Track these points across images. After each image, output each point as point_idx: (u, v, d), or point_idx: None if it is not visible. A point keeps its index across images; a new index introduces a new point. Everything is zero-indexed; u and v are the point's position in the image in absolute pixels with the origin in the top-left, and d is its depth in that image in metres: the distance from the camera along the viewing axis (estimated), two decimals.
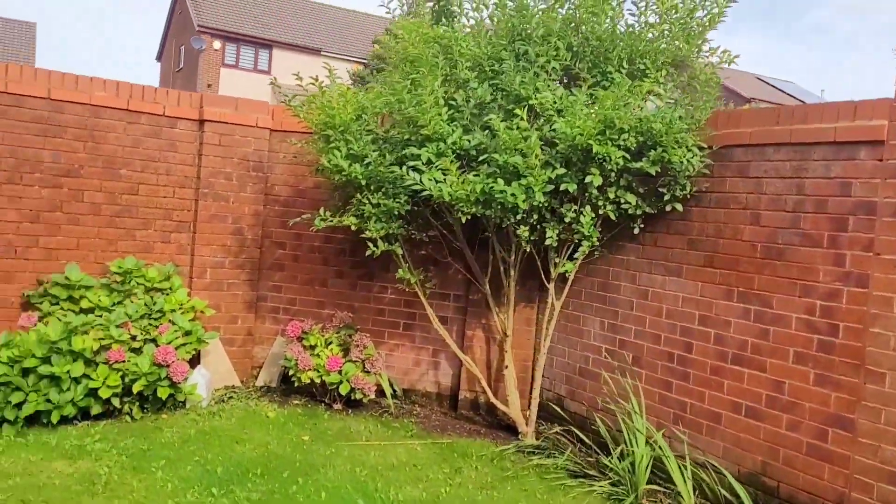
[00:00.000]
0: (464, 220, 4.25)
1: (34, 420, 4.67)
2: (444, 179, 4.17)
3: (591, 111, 4.08)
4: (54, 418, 4.63)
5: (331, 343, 5.57)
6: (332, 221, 4.73)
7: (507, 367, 5.14)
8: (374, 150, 4.54)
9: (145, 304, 5.30)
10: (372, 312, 6.08)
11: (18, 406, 4.58)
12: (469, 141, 4.24)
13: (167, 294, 5.53)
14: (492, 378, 5.62)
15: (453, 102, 4.47)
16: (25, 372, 4.68)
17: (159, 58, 39.03)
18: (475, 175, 4.12)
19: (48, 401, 4.64)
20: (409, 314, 6.00)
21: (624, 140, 4.12)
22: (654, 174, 4.36)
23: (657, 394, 4.62)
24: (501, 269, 5.05)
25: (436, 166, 4.23)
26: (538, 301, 5.51)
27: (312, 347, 5.51)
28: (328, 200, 5.99)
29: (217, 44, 30.74)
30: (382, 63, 26.51)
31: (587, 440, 4.95)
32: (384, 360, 5.60)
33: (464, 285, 5.79)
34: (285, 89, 5.88)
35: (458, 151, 4.34)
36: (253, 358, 6.24)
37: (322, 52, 33.00)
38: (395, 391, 5.83)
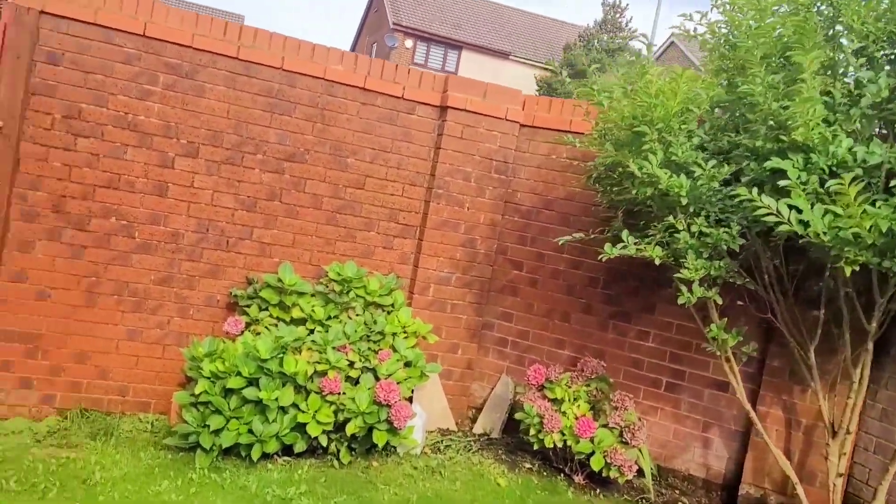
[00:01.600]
0: (848, 272, 2.91)
1: (230, 450, 3.85)
2: (816, 209, 2.86)
3: None
4: (255, 454, 3.78)
5: (578, 398, 4.38)
6: (628, 250, 3.51)
7: (841, 474, 3.71)
8: (702, 159, 3.31)
9: (365, 323, 4.38)
10: (624, 362, 4.84)
11: (216, 432, 3.77)
12: (870, 155, 2.89)
13: (389, 312, 4.59)
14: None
15: (828, 99, 3.14)
16: (227, 391, 3.86)
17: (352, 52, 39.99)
18: (882, 206, 2.77)
19: (250, 431, 3.79)
20: (675, 371, 4.70)
21: None
22: None
23: None
24: (846, 335, 3.62)
25: (805, 188, 2.92)
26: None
27: (557, 402, 4.35)
28: (585, 217, 4.83)
29: (409, 42, 30.79)
30: (572, 70, 25.26)
31: None
32: (645, 429, 4.34)
33: (759, 343, 4.41)
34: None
35: (833, 168, 3.01)
36: (470, 396, 5.20)
37: (510, 56, 32.27)
38: (653, 471, 4.55)
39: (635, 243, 3.55)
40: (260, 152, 4.62)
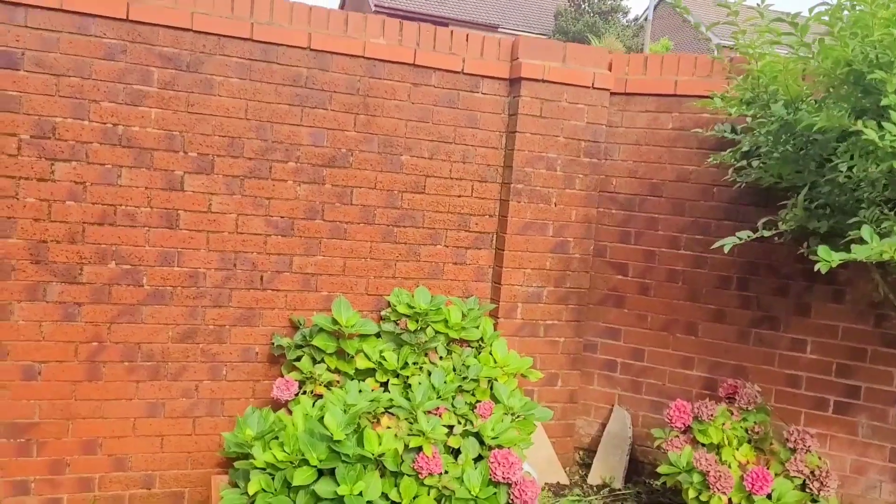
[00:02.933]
0: None
1: None
2: None
3: None
4: None
5: (737, 440, 3.38)
6: (870, 253, 2.43)
7: None
8: None
9: (454, 370, 3.36)
10: (775, 380, 3.84)
11: None
12: None
13: (478, 348, 3.57)
14: None
15: None
16: (290, 484, 2.85)
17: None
18: None
19: None
20: (847, 388, 3.70)
21: None
22: None
23: None
24: None
25: None
26: None
27: (714, 447, 3.35)
28: (706, 202, 3.81)
29: None
30: (566, 37, 24.14)
31: None
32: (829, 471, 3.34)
33: None
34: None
35: None
36: (574, 435, 4.20)
37: (499, 29, 31.04)
38: None
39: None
40: (292, 159, 3.58)
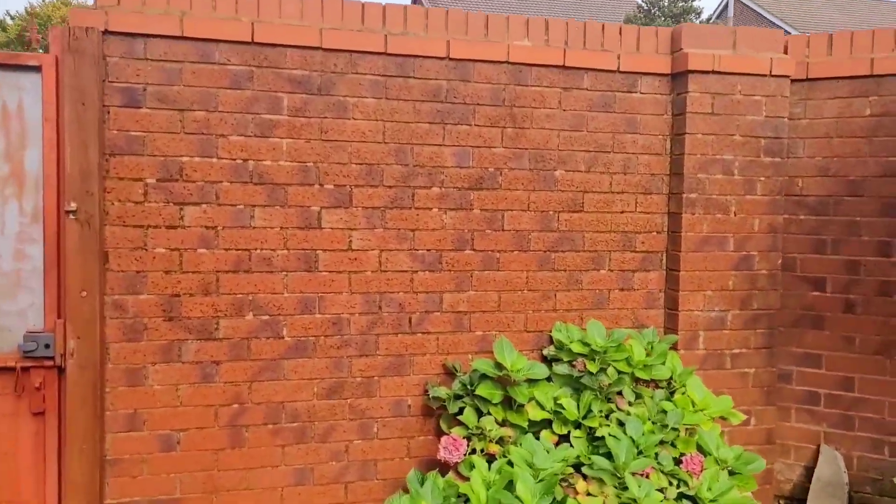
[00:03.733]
0: None
1: None
2: None
3: None
4: None
5: None
6: None
7: None
8: None
9: (651, 420, 2.83)
10: None
11: None
12: None
13: (670, 389, 3.04)
14: None
15: None
16: None
17: None
18: None
19: None
20: None
21: None
22: None
23: None
24: None
25: None
26: None
27: None
28: None
29: None
30: None
31: None
32: None
33: None
34: None
35: None
36: (773, 482, 3.58)
37: None
38: None
39: None
40: (435, 183, 3.17)
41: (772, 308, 3.51)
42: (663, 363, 3.02)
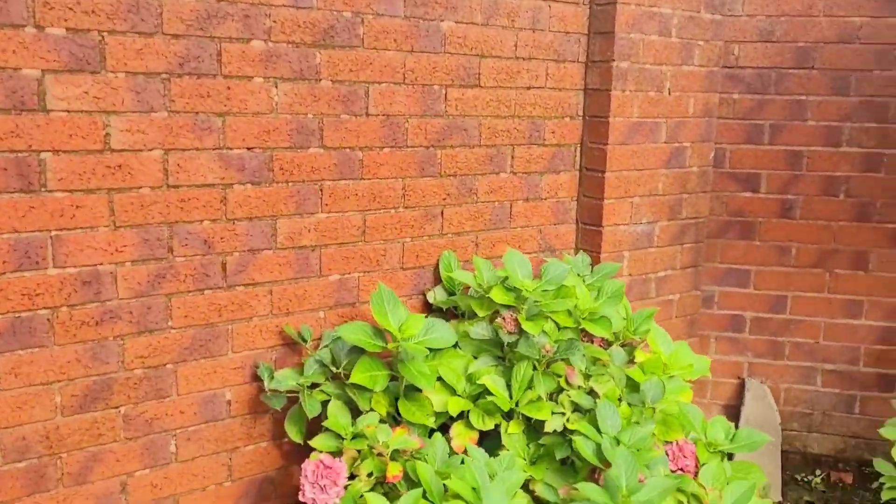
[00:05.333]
0: None
1: None
2: None
3: None
4: None
5: None
6: None
7: None
8: None
9: (619, 397, 1.89)
10: None
11: None
12: None
13: (621, 342, 2.11)
14: None
15: None
16: None
17: None
18: None
19: None
20: None
21: None
22: None
23: None
24: None
25: None
26: None
27: None
28: (888, 72, 2.53)
29: None
30: None
31: None
32: None
33: None
34: None
35: None
36: None
37: None
38: None
39: None
40: (257, 33, 1.84)
41: (700, 216, 2.74)
42: (614, 307, 2.08)
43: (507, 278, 2.03)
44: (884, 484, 2.36)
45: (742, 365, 2.90)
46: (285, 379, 1.90)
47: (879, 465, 2.40)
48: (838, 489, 2.73)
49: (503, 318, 1.94)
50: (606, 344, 2.06)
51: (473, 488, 1.57)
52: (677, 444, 1.84)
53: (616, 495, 1.53)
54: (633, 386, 1.94)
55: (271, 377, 1.93)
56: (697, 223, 2.73)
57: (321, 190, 2.02)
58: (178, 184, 1.80)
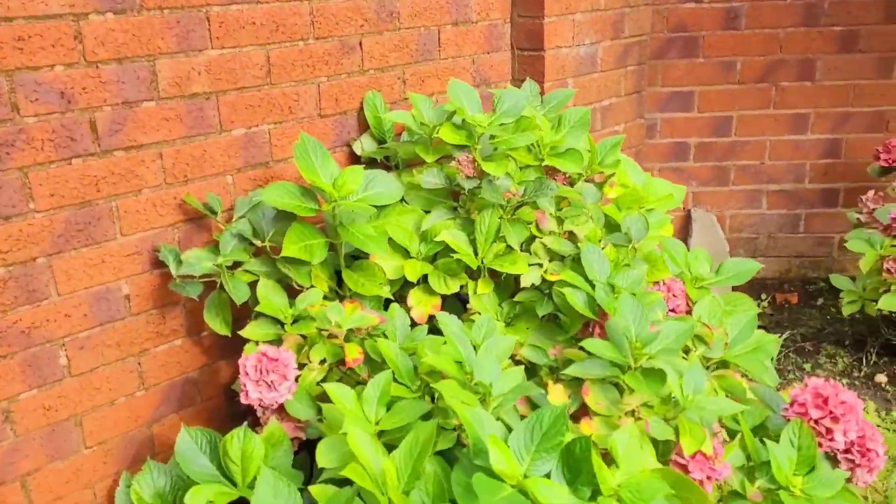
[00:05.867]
0: None
1: None
2: None
3: None
4: None
5: None
6: None
7: None
8: None
9: (600, 239, 1.64)
10: None
11: None
12: None
13: (587, 177, 1.83)
14: None
15: None
16: None
17: None
18: None
19: None
20: None
21: None
22: None
23: None
24: None
25: None
26: None
27: None
28: None
29: None
30: None
31: None
32: None
33: None
34: None
35: None
36: None
37: None
38: None
39: None
40: None
41: (643, 33, 2.44)
42: (577, 137, 1.78)
43: (454, 114, 1.68)
44: (842, 299, 2.29)
45: (687, 195, 2.73)
46: (198, 261, 1.52)
47: (836, 280, 2.33)
48: (785, 310, 2.69)
49: (458, 162, 1.61)
50: (569, 182, 1.79)
51: (458, 362, 1.30)
52: (665, 283, 1.63)
53: (624, 348, 1.30)
54: (610, 226, 1.69)
55: (178, 261, 1.54)
56: (640, 42, 2.43)
57: (208, 19, 1.56)
58: (11, 16, 1.31)
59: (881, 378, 2.27)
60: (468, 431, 1.15)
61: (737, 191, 2.72)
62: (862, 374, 2.31)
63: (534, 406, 1.37)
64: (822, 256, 2.76)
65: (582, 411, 1.34)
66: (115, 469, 1.65)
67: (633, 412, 1.28)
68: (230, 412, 1.82)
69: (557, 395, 1.32)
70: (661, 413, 1.27)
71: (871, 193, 2.34)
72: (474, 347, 1.34)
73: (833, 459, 1.39)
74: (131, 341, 1.62)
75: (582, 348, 1.35)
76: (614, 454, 1.19)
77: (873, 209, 2.25)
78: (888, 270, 2.04)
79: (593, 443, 1.18)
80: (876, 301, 2.20)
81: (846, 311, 2.26)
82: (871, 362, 2.35)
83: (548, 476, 1.13)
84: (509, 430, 1.17)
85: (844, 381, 2.28)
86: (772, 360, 1.57)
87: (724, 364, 1.56)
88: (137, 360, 1.64)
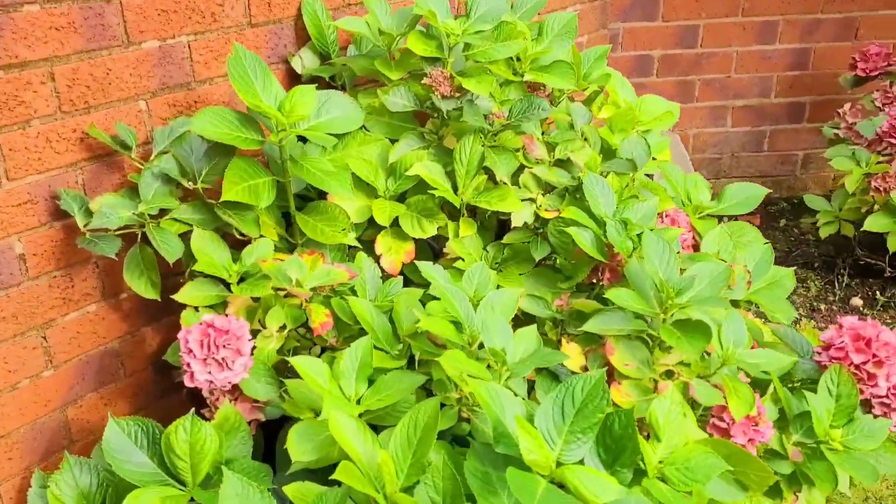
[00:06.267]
0: None
1: None
2: None
3: None
4: None
5: None
6: None
7: None
8: None
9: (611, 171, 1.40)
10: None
11: None
12: None
13: (573, 95, 1.58)
14: None
15: None
16: None
17: None
18: None
19: None
20: None
21: None
22: None
23: None
24: None
25: None
26: None
27: None
28: None
29: None
30: None
31: None
32: None
33: None
34: None
35: None
36: None
37: None
38: None
39: None
40: None
41: None
42: (566, 52, 1.52)
43: (418, 19, 1.39)
44: (817, 222, 2.17)
45: None
46: (113, 210, 1.21)
47: (810, 200, 2.20)
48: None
49: (432, 78, 1.32)
50: (550, 101, 1.53)
51: (455, 322, 1.06)
52: (668, 215, 1.43)
53: (651, 297, 1.09)
54: (604, 151, 1.46)
55: (86, 211, 1.22)
56: None
57: None
58: None
59: (857, 301, 2.19)
60: (486, 413, 0.92)
61: (701, 107, 2.54)
62: (837, 298, 2.22)
63: (542, 370, 1.16)
64: (785, 175, 2.64)
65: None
66: (22, 465, 1.35)
67: (667, 373, 1.08)
68: (161, 387, 1.53)
69: (573, 356, 1.10)
70: (697, 372, 1.08)
71: (847, 106, 2.19)
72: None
73: (865, 405, 1.26)
74: (31, 311, 1.30)
75: (598, 298, 1.14)
76: (654, 426, 0.99)
77: (852, 123, 2.12)
78: (876, 189, 1.92)
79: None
80: (853, 222, 2.09)
81: (823, 233, 2.14)
82: (844, 284, 2.26)
83: (581, 462, 0.93)
84: (524, 402, 0.95)
85: (822, 306, 2.18)
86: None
87: (734, 304, 1.39)
88: (41, 333, 1.33)
